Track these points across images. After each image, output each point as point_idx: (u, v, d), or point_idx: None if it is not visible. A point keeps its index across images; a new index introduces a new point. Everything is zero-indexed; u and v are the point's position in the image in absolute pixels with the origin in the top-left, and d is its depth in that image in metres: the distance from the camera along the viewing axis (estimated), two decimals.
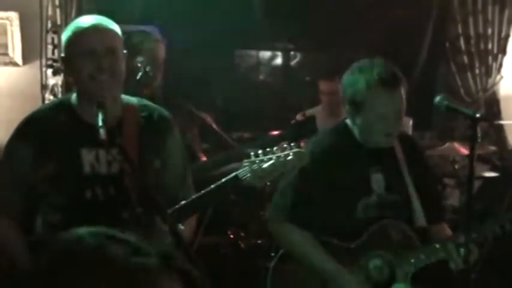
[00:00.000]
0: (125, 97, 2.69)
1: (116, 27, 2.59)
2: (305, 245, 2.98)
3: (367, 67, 2.93)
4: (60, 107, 2.68)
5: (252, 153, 2.46)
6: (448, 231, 3.16)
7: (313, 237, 2.97)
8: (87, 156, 2.57)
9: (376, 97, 2.89)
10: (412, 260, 2.98)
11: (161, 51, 3.99)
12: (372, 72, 2.89)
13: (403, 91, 2.93)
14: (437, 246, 2.97)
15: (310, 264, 2.96)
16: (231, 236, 4.96)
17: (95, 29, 2.53)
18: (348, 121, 3.08)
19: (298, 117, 4.29)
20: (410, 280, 2.99)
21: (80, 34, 2.52)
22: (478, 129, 2.78)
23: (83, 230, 1.08)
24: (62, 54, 2.62)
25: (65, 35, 2.59)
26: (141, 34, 4.02)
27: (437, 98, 2.89)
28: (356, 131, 3.04)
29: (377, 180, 3.03)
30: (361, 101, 2.92)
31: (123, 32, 2.64)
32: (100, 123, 2.32)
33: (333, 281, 2.93)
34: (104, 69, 2.50)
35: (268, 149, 2.46)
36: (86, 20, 2.56)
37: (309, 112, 5.16)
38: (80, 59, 2.50)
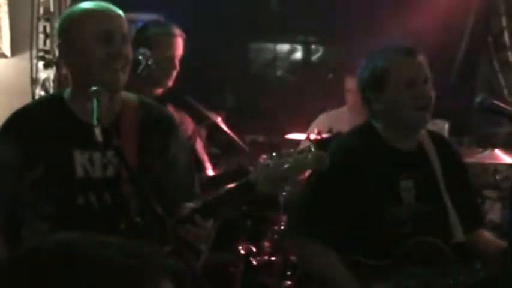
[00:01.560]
0: (123, 93, 2.69)
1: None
2: (328, 264, 2.95)
3: (379, 50, 3.05)
4: (51, 103, 2.68)
5: (265, 156, 2.43)
6: (490, 238, 3.13)
7: (337, 255, 2.94)
8: (80, 158, 2.57)
9: (398, 64, 2.97)
10: (451, 282, 2.96)
11: (179, 48, 3.96)
12: (386, 50, 3.02)
13: (423, 61, 3.01)
14: (478, 266, 2.94)
15: (334, 286, 2.94)
16: (242, 252, 4.95)
17: (109, 11, 2.55)
18: (373, 121, 3.07)
19: (324, 132, 4.29)
20: None
21: (91, 14, 2.53)
22: None
23: (72, 234, 1.11)
24: (59, 40, 2.61)
25: (66, 18, 2.60)
26: (157, 25, 4.00)
27: (477, 99, 2.88)
28: (385, 128, 3.03)
29: (407, 188, 3.01)
30: (384, 74, 2.96)
31: (131, 20, 2.65)
32: (95, 122, 2.29)
33: None
34: (120, 56, 2.51)
35: (283, 151, 2.43)
36: (90, 3, 2.57)
37: (329, 116, 5.15)
38: (91, 42, 2.50)
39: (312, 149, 2.42)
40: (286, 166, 2.40)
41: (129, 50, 2.56)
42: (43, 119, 2.61)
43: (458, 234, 3.03)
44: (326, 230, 2.94)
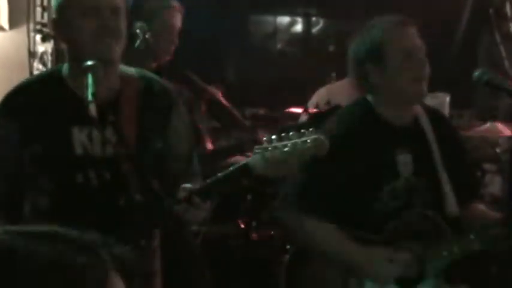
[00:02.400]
0: (123, 67, 2.68)
1: None
2: (323, 233, 2.96)
3: (374, 22, 3.07)
4: (49, 79, 2.68)
5: (264, 139, 2.43)
6: (485, 210, 3.16)
7: (334, 227, 2.96)
8: (79, 135, 2.57)
9: (396, 34, 3.01)
10: (444, 254, 2.98)
11: (177, 21, 3.96)
12: (382, 22, 3.04)
13: (416, 32, 3.05)
14: (472, 236, 2.96)
15: (333, 255, 2.96)
16: (242, 226, 4.97)
17: None
18: (369, 96, 3.09)
19: (322, 106, 4.27)
20: (442, 276, 2.98)
21: None
22: None
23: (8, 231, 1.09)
24: (54, 16, 2.62)
25: None
26: None
27: (477, 72, 2.88)
28: (381, 103, 3.05)
29: (404, 162, 3.03)
30: (383, 45, 2.98)
31: None
32: (90, 97, 2.29)
33: (361, 269, 2.93)
34: (110, 29, 2.51)
35: (283, 134, 2.41)
36: None
37: (328, 90, 5.15)
38: (81, 18, 2.50)
39: (312, 135, 2.41)
40: (285, 150, 2.39)
41: (120, 22, 2.55)
42: (41, 95, 2.62)
43: (453, 208, 3.05)
44: (321, 204, 2.97)
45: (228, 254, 4.77)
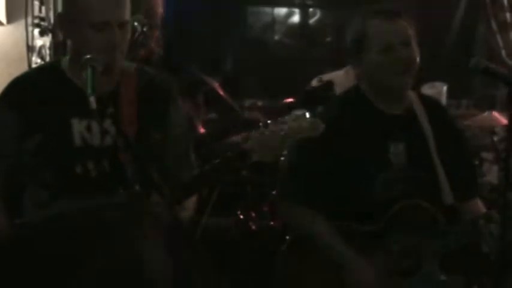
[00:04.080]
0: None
1: None
2: (317, 228, 3.00)
3: (361, 13, 3.09)
4: (49, 71, 2.71)
5: (260, 124, 2.46)
6: (482, 209, 3.15)
7: (328, 222, 2.99)
8: (78, 126, 2.60)
9: (377, 27, 2.99)
10: (440, 243, 3.00)
11: (160, 7, 3.99)
12: (367, 13, 3.05)
13: (406, 23, 3.02)
14: (468, 226, 2.99)
15: (325, 249, 3.00)
16: (241, 217, 4.99)
17: None
18: (362, 85, 3.11)
19: (314, 83, 4.29)
20: (438, 265, 3.01)
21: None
22: None
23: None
24: (61, 11, 2.63)
25: None
26: None
27: (472, 61, 2.88)
28: (372, 91, 3.07)
29: (398, 151, 3.04)
30: (362, 38, 3.00)
31: None
32: (89, 90, 2.32)
33: (349, 269, 2.96)
34: (116, 44, 2.53)
35: (279, 118, 2.45)
36: None
37: (328, 77, 5.16)
38: (89, 29, 2.52)
39: (307, 116, 2.45)
40: (281, 134, 2.43)
41: (127, 35, 2.58)
42: (41, 87, 2.64)
43: (448, 198, 3.05)
44: (315, 194, 2.99)
45: (228, 245, 4.79)
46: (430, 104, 3.20)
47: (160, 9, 4.00)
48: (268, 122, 2.45)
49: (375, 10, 3.04)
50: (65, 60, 2.67)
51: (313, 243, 3.02)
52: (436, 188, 3.06)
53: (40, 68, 2.86)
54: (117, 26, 2.53)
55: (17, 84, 2.69)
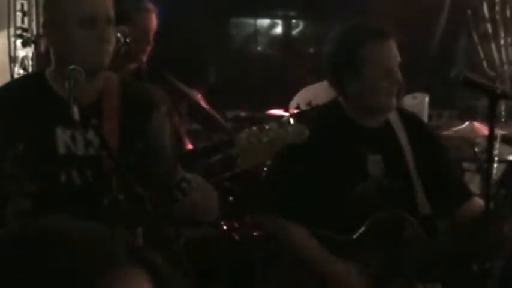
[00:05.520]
0: (105, 71, 2.71)
1: None
2: (298, 236, 3.01)
3: (355, 26, 3.09)
4: (33, 81, 2.71)
5: (246, 129, 2.48)
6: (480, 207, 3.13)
7: (307, 230, 3.00)
8: (62, 135, 2.60)
9: (377, 50, 2.99)
10: (418, 253, 3.01)
11: (153, 23, 4.00)
12: (362, 29, 3.05)
13: (394, 45, 3.05)
14: (444, 237, 3.00)
15: (304, 256, 3.01)
16: (224, 228, 5.00)
17: None
18: (340, 98, 3.12)
19: (302, 106, 4.33)
20: (415, 275, 3.02)
21: None
22: (502, 108, 2.81)
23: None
24: (44, 19, 2.64)
25: None
26: (132, 1, 4.03)
27: (453, 72, 2.91)
28: (352, 106, 3.07)
29: (375, 163, 3.05)
30: (363, 59, 2.98)
31: None
32: (72, 101, 2.32)
33: (327, 272, 2.98)
34: (105, 39, 2.54)
35: (263, 124, 2.48)
36: None
37: (312, 89, 5.19)
38: (77, 27, 2.52)
39: (291, 123, 2.48)
40: (266, 140, 2.46)
41: (112, 31, 2.59)
42: (24, 97, 2.65)
43: (425, 208, 3.07)
44: (296, 207, 3.00)
45: (211, 256, 4.79)
46: (408, 118, 3.22)
47: (154, 27, 4.00)
48: (254, 128, 2.48)
49: (368, 28, 3.04)
50: (49, 70, 2.68)
51: (293, 252, 3.04)
52: (412, 199, 3.07)
53: (24, 78, 2.87)
54: (104, 21, 2.53)
55: (0, 94, 2.69)
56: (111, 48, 2.60)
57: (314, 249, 2.99)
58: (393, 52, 3.01)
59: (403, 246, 3.02)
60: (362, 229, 3.00)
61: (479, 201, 3.13)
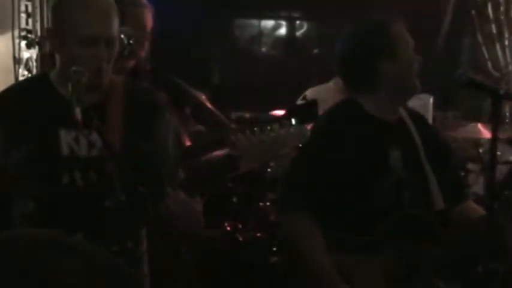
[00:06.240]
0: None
1: (113, 1, 2.60)
2: (312, 249, 2.98)
3: (368, 21, 3.18)
4: (38, 83, 2.71)
5: (247, 130, 2.47)
6: (476, 209, 3.17)
7: (323, 238, 2.97)
8: (66, 137, 2.59)
9: (401, 29, 3.08)
10: (438, 252, 3.01)
11: (148, 20, 4.01)
12: (379, 19, 3.14)
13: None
14: (462, 234, 2.99)
15: (312, 268, 3.00)
16: (228, 229, 5.01)
17: (97, 11, 2.52)
18: (355, 96, 3.13)
19: (299, 101, 4.33)
20: (433, 273, 3.02)
21: (80, 15, 2.51)
22: (506, 109, 2.81)
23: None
24: (50, 26, 2.62)
25: (58, 5, 2.59)
26: None
27: (457, 73, 2.92)
28: (370, 103, 3.08)
29: (395, 157, 3.07)
30: (394, 37, 3.05)
31: None
32: (74, 102, 2.32)
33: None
34: (103, 59, 2.53)
35: (265, 125, 2.47)
36: None
37: (316, 90, 5.18)
38: (76, 44, 2.51)
39: (293, 123, 2.47)
40: (267, 140, 2.45)
41: (113, 50, 2.57)
42: (29, 99, 2.65)
43: (439, 203, 3.09)
44: (315, 203, 2.98)
45: (215, 256, 4.80)
46: (415, 115, 3.25)
47: (150, 24, 4.00)
48: (255, 128, 2.47)
49: (383, 18, 3.15)
50: (54, 72, 2.67)
51: (302, 258, 3.03)
52: (428, 194, 3.09)
53: (29, 80, 2.87)
54: (104, 42, 2.52)
55: (4, 95, 2.70)
56: (110, 63, 2.58)
57: (326, 270, 2.96)
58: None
59: (423, 244, 3.01)
60: (381, 228, 3.00)
61: (474, 205, 3.20)
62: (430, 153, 3.14)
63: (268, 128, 2.47)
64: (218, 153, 4.46)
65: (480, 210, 3.17)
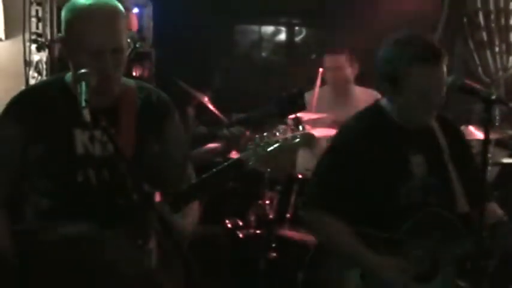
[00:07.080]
0: (123, 78, 2.73)
1: (121, 9, 2.61)
2: (343, 236, 3.02)
3: (407, 42, 3.00)
4: (53, 85, 2.74)
5: (256, 136, 2.52)
6: (498, 211, 3.19)
7: (351, 229, 3.01)
8: (81, 136, 2.63)
9: (418, 74, 2.95)
10: (457, 251, 3.04)
11: (133, 23, 4.00)
12: (411, 48, 2.97)
13: (444, 67, 3.01)
14: (484, 234, 2.98)
15: (346, 255, 3.04)
16: (229, 226, 5.03)
17: (102, 23, 2.53)
18: (382, 102, 3.15)
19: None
20: (457, 272, 3.05)
21: (86, 26, 2.52)
22: (496, 112, 2.82)
23: None
24: (62, 34, 2.63)
25: (68, 17, 2.59)
26: None
27: (449, 79, 2.93)
28: (394, 111, 3.10)
29: (418, 162, 3.09)
30: (402, 78, 2.97)
31: None
32: (83, 103, 2.33)
33: (371, 271, 3.00)
34: (110, 68, 2.54)
35: (274, 131, 2.51)
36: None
37: (312, 92, 5.21)
38: (84, 56, 2.53)
39: (301, 130, 2.51)
40: (276, 146, 2.50)
41: (122, 59, 2.58)
42: (46, 100, 2.67)
43: (463, 206, 3.11)
44: (341, 203, 3.02)
45: (215, 253, 4.81)
46: (442, 120, 3.24)
47: (134, 26, 4.01)
48: (264, 134, 2.52)
49: (422, 53, 2.95)
50: (69, 75, 2.70)
51: (339, 252, 3.06)
52: (453, 198, 3.12)
53: (45, 82, 2.90)
54: (110, 51, 2.53)
55: (21, 98, 2.72)
56: (120, 72, 2.61)
57: (355, 245, 3.00)
58: (438, 77, 2.98)
59: (444, 243, 3.03)
60: (406, 226, 3.02)
61: (495, 207, 3.20)
62: (456, 159, 3.15)
63: (277, 134, 2.51)
64: (211, 145, 4.51)
65: (498, 214, 3.19)
